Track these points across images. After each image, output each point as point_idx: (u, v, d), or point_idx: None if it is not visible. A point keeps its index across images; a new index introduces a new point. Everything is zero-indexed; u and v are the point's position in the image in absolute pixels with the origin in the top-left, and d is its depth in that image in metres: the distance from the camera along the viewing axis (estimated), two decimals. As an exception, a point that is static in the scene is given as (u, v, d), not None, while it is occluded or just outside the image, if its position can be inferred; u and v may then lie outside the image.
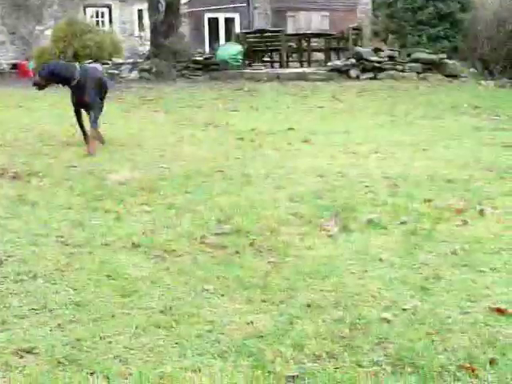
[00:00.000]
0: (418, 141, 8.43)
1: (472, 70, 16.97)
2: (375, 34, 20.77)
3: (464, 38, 17.96)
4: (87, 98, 7.61)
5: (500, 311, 3.17)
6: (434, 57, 16.74)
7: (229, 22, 31.50)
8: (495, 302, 3.30)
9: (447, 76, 16.38)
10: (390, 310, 3.25)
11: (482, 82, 16.02)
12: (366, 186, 5.92)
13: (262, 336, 2.97)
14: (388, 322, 3.11)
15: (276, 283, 3.60)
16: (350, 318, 3.14)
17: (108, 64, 18.43)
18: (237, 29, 29.60)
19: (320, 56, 19.90)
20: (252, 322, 3.10)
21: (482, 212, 5.03)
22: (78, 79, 7.53)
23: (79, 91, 7.60)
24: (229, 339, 2.95)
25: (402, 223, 4.76)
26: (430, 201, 5.38)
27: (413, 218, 4.87)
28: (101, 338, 2.97)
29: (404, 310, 3.26)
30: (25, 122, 8.99)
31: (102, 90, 7.99)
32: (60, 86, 7.94)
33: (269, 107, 12.32)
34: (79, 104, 7.71)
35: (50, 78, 7.55)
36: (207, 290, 3.51)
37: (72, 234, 4.52)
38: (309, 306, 3.32)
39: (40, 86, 7.72)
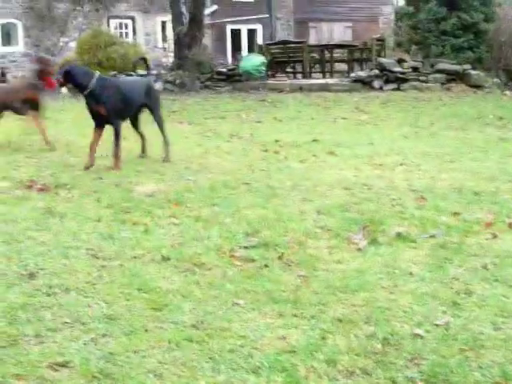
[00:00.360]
0: (443, 152, 8.39)
1: (496, 80, 16.86)
2: (398, 44, 20.68)
3: (488, 49, 17.85)
4: (101, 109, 7.46)
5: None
6: (457, 67, 16.68)
7: (251, 33, 31.63)
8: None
9: (471, 87, 16.31)
10: (423, 326, 3.24)
11: (507, 92, 15.93)
12: (393, 199, 5.90)
13: (294, 351, 2.98)
14: (421, 337, 3.10)
15: (306, 297, 3.60)
16: (382, 334, 3.13)
17: (132, 75, 18.54)
18: (259, 40, 29.70)
19: (343, 67, 19.91)
20: (284, 337, 3.10)
21: (510, 225, 5.00)
22: (92, 88, 7.45)
23: (93, 101, 7.51)
24: (261, 354, 2.95)
25: (430, 236, 4.74)
26: (457, 214, 5.35)
27: (441, 231, 4.85)
28: (134, 352, 2.99)
29: (436, 325, 3.25)
30: (51, 133, 9.06)
31: (130, 104, 7.79)
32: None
33: (292, 118, 12.33)
34: (94, 115, 7.62)
35: (65, 79, 7.56)
36: (238, 304, 3.52)
37: (102, 246, 4.55)
38: (340, 320, 3.32)
39: (60, 83, 7.92)
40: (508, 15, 17.99)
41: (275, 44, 20.54)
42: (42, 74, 8.72)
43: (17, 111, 8.93)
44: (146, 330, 3.20)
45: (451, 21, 17.91)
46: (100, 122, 7.58)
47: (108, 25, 27.23)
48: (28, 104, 8.70)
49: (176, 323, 3.29)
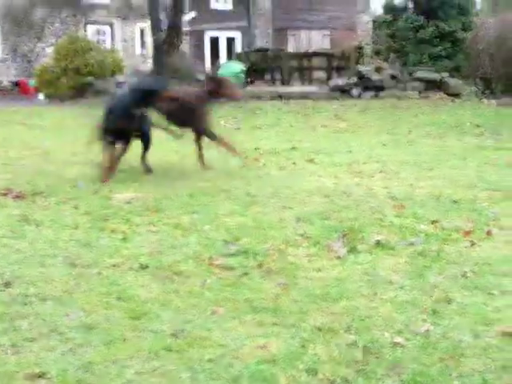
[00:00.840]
0: (421, 160, 8.43)
1: (474, 88, 17.03)
2: (377, 52, 20.83)
3: (465, 57, 18.03)
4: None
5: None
6: (435, 75, 16.81)
7: (230, 40, 31.66)
8: (507, 326, 3.27)
9: (449, 95, 16.45)
10: (403, 334, 3.23)
11: (484, 100, 16.08)
12: (372, 207, 5.90)
13: (274, 360, 2.95)
14: (401, 346, 3.09)
15: (286, 306, 3.58)
16: (363, 342, 3.12)
17: (109, 83, 18.49)
18: (238, 48, 29.76)
19: (322, 75, 19.99)
20: (264, 346, 3.08)
21: (489, 233, 5.02)
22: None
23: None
24: (241, 363, 2.93)
25: (409, 244, 4.75)
26: (436, 221, 5.36)
27: (421, 239, 4.86)
28: (113, 361, 2.95)
29: (417, 334, 3.24)
30: (27, 139, 8.98)
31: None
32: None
33: (271, 126, 12.34)
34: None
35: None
36: (217, 312, 3.49)
37: (79, 254, 4.50)
38: (320, 329, 3.30)
39: None
40: (485, 24, 18.18)
41: (254, 52, 20.59)
42: (214, 95, 7.90)
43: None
44: (125, 340, 3.16)
45: (429, 29, 18.07)
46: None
47: (85, 30, 27.09)
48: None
49: (155, 332, 3.25)
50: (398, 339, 3.15)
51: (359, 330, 3.28)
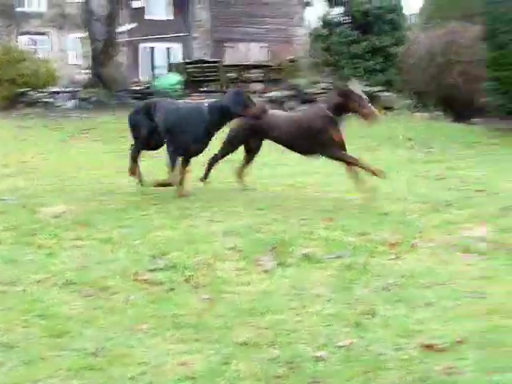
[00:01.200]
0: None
1: (407, 102, 17.37)
2: (313, 66, 21.09)
3: (397, 71, 18.43)
4: None
5: (431, 347, 3.21)
6: (368, 89, 17.08)
7: (168, 51, 31.59)
8: (428, 337, 3.33)
9: (383, 108, 16.72)
10: (326, 348, 3.26)
11: (417, 114, 16.41)
12: (302, 219, 5.94)
13: (195, 377, 2.94)
14: (323, 360, 3.11)
15: (211, 321, 3.57)
16: (285, 357, 3.13)
17: (43, 93, 18.23)
18: (178, 58, 29.71)
19: (259, 87, 20.09)
20: (186, 363, 3.06)
21: (414, 245, 5.11)
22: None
23: None
24: (163, 381, 2.90)
25: (337, 257, 4.79)
26: (364, 234, 5.43)
27: (348, 252, 4.91)
28: (32, 381, 2.89)
29: (340, 347, 3.27)
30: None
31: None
32: None
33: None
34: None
35: None
36: (141, 329, 3.45)
37: (2, 270, 4.40)
38: (245, 344, 3.30)
39: None
40: (418, 38, 18.60)
41: (191, 63, 20.59)
42: (342, 110, 6.96)
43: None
44: (44, 359, 3.10)
45: (362, 44, 18.40)
46: None
47: (17, 41, 26.62)
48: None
49: (77, 350, 3.20)
50: (321, 353, 3.17)
51: (283, 345, 3.29)
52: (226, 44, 31.39)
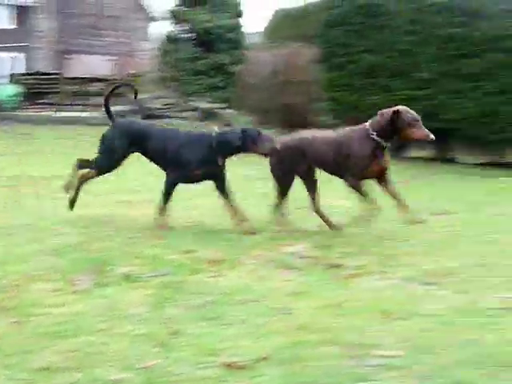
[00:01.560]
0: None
1: (247, 118, 17.73)
2: (161, 80, 21.07)
3: (235, 89, 18.80)
4: None
5: (231, 366, 3.23)
6: (209, 106, 17.34)
7: (14, 61, 30.44)
8: (230, 355, 3.36)
9: (225, 124, 17.00)
10: (130, 370, 3.19)
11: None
12: (129, 238, 5.86)
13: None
14: (121, 382, 3.05)
15: (12, 345, 3.41)
16: (84, 381, 3.05)
17: None
18: (22, 69, 28.68)
19: (100, 100, 19.80)
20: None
21: (235, 262, 5.18)
22: None
23: None
24: None
25: (158, 275, 4.76)
26: (190, 251, 5.43)
27: (170, 270, 4.89)
28: None
29: (144, 368, 3.22)
30: None
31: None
32: None
33: (41, 151, 11.93)
34: None
35: None
36: None
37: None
38: (46, 368, 3.18)
39: None
40: (259, 57, 19.03)
41: (30, 74, 19.93)
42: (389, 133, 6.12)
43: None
44: None
45: (204, 61, 18.65)
46: None
47: None
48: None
49: None
50: (122, 375, 3.11)
51: (85, 368, 3.20)
52: (70, 56, 30.64)
